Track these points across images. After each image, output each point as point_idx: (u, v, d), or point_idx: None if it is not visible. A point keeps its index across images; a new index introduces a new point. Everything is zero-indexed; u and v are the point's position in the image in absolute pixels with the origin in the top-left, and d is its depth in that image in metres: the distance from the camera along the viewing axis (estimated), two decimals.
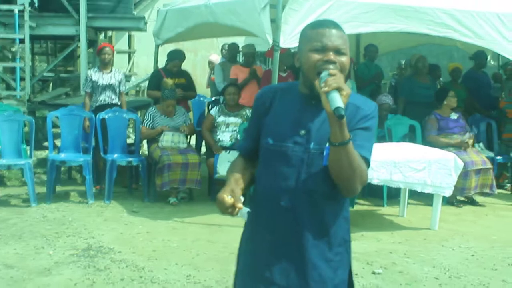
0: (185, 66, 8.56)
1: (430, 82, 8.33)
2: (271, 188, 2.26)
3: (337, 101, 2.00)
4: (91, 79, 7.64)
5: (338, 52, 2.16)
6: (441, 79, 8.94)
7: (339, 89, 2.01)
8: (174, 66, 8.07)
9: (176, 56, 8.12)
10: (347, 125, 2.04)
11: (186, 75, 8.32)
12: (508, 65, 8.94)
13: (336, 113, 1.98)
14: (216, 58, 10.77)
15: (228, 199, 2.18)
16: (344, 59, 2.18)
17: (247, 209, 2.25)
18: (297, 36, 6.43)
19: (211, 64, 10.69)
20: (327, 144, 2.10)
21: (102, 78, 7.65)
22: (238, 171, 2.34)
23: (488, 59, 9.98)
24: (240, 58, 10.44)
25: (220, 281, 4.65)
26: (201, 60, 15.12)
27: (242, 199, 2.23)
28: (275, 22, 5.98)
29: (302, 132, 2.20)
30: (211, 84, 10.54)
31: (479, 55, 9.00)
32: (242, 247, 2.44)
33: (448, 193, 6.11)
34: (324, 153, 2.15)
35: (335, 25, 2.21)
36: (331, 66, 2.12)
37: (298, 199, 2.20)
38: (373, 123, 2.22)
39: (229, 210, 2.18)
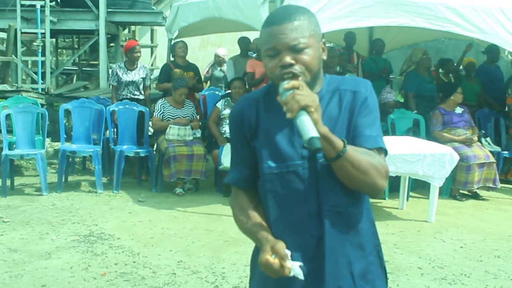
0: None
1: (430, 76, 8.35)
2: (290, 220, 1.90)
3: (307, 128, 1.63)
4: (116, 74, 7.88)
5: (294, 49, 1.78)
6: (450, 75, 8.91)
7: (305, 107, 1.67)
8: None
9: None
10: (350, 115, 1.84)
11: (194, 68, 8.52)
12: None
13: (310, 146, 1.63)
14: (224, 52, 10.82)
15: (272, 259, 1.75)
16: (306, 56, 1.79)
17: (299, 263, 1.78)
18: None
19: (218, 57, 10.70)
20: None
21: (126, 75, 7.90)
22: (256, 217, 1.93)
23: (506, 53, 9.94)
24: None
25: (208, 266, 4.82)
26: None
27: (289, 253, 1.78)
28: None
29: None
30: (213, 77, 10.64)
31: (492, 49, 8.92)
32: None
33: (438, 183, 6.14)
34: None
35: (286, 17, 1.79)
36: (286, 72, 1.78)
37: (326, 223, 1.87)
38: (374, 101, 1.92)
39: (280, 272, 1.75)
